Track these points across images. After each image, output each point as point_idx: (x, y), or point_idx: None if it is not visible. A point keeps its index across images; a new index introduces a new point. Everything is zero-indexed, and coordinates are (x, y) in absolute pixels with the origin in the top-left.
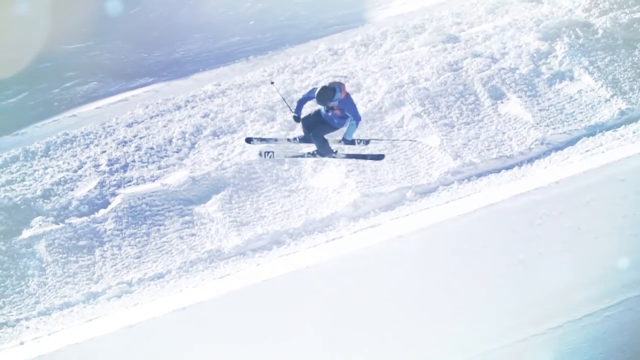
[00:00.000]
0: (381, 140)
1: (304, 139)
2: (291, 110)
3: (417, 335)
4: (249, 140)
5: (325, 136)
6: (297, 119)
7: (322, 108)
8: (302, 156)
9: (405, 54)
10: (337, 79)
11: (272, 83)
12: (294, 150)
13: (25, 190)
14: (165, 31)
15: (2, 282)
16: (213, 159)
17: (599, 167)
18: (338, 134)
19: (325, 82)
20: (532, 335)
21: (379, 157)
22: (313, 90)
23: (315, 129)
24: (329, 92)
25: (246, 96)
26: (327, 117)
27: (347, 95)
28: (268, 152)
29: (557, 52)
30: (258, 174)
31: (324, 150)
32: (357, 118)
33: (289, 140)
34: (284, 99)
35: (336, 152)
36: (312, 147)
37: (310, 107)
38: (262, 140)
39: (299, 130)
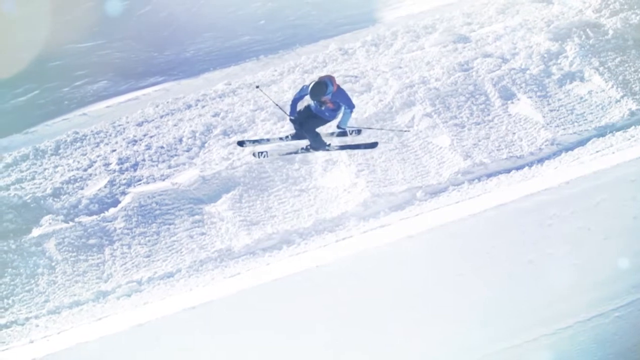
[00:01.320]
0: (373, 129)
1: (296, 136)
2: (285, 112)
3: (425, 335)
4: (241, 143)
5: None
6: (294, 121)
7: (312, 103)
8: (296, 152)
9: (415, 54)
10: (347, 79)
11: (258, 87)
12: (287, 148)
13: (35, 189)
14: (175, 30)
15: (12, 280)
16: (223, 158)
17: (609, 167)
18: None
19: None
20: (541, 335)
21: (373, 145)
22: (304, 88)
23: (307, 124)
24: (322, 87)
25: (257, 95)
26: (318, 111)
27: (339, 87)
28: (262, 152)
29: (567, 52)
30: (268, 174)
31: (318, 144)
32: (351, 106)
33: (281, 139)
34: (276, 103)
35: (329, 145)
36: (305, 143)
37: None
38: (254, 142)
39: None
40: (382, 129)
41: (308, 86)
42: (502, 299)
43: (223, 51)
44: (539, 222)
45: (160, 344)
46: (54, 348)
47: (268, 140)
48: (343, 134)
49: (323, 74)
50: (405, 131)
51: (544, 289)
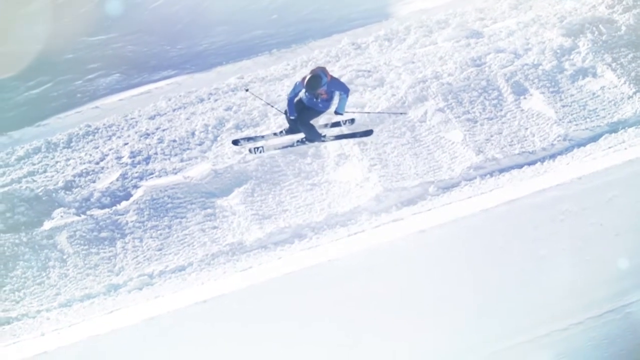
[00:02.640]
0: (368, 113)
1: (290, 130)
2: (278, 110)
3: (436, 330)
4: (235, 142)
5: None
6: (294, 121)
7: (303, 96)
8: (292, 145)
9: (428, 49)
10: (360, 73)
11: (247, 90)
12: (283, 142)
13: (47, 182)
14: (188, 24)
15: (23, 273)
16: (235, 152)
17: (621, 163)
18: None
19: (346, 76)
20: (553, 331)
21: (368, 133)
22: (297, 85)
23: (301, 118)
24: (318, 80)
25: (269, 89)
26: (311, 104)
27: (332, 77)
28: (258, 148)
29: (580, 48)
30: (280, 167)
31: (313, 136)
32: (346, 91)
33: (275, 134)
34: (271, 105)
35: (325, 136)
36: (300, 136)
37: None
38: (249, 139)
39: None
40: (372, 112)
41: (301, 82)
42: (514, 295)
43: (235, 45)
44: (551, 218)
45: (171, 337)
46: (65, 341)
47: (263, 137)
48: (337, 124)
49: (336, 68)
50: (402, 114)
51: (556, 284)
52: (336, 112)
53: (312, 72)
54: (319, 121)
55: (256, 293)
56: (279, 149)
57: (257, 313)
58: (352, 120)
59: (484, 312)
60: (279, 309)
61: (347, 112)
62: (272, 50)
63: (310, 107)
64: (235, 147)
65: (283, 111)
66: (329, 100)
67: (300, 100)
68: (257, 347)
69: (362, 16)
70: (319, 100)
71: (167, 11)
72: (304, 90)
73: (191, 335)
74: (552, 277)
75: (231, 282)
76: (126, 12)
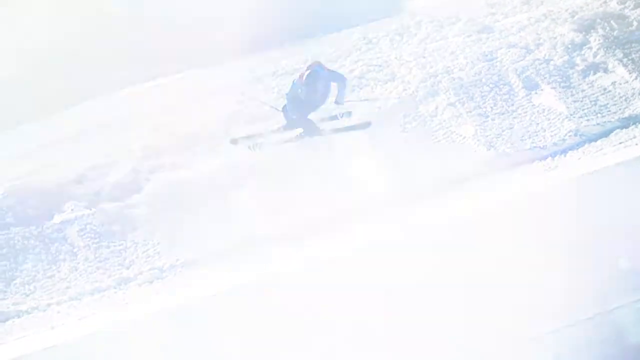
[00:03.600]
0: (364, 101)
1: (288, 126)
2: (277, 109)
3: (442, 327)
4: (234, 141)
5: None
6: (293, 117)
7: (302, 92)
8: (291, 140)
9: (439, 44)
10: (371, 68)
11: (243, 93)
12: (281, 138)
13: (58, 175)
14: (198, 17)
15: (33, 266)
16: (248, 145)
17: (632, 159)
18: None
19: (358, 71)
20: (562, 326)
21: (366, 125)
22: (295, 84)
23: (300, 113)
24: (316, 75)
25: (280, 83)
26: (309, 99)
27: (328, 69)
28: (256, 145)
29: (591, 43)
30: (293, 162)
31: (311, 130)
32: (343, 80)
33: (273, 131)
34: (267, 104)
35: (322, 130)
36: (298, 131)
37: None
38: (247, 138)
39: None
40: (369, 100)
41: (299, 79)
42: (522, 290)
43: (247, 39)
44: (562, 213)
45: (183, 330)
46: (75, 334)
47: (261, 134)
48: (334, 117)
49: (347, 63)
50: (398, 98)
51: (565, 280)
52: (336, 103)
53: (309, 67)
54: (316, 115)
55: (268, 287)
56: (277, 144)
57: (270, 306)
58: (349, 113)
59: (490, 308)
60: (291, 303)
61: (346, 101)
62: (283, 45)
63: (309, 102)
64: (247, 141)
65: (281, 109)
66: (326, 93)
67: (299, 96)
68: (269, 341)
69: (374, 11)
70: (318, 95)
71: (177, 4)
72: (302, 87)
73: (202, 328)
74: (561, 272)
75: (243, 275)
76: (135, 6)
